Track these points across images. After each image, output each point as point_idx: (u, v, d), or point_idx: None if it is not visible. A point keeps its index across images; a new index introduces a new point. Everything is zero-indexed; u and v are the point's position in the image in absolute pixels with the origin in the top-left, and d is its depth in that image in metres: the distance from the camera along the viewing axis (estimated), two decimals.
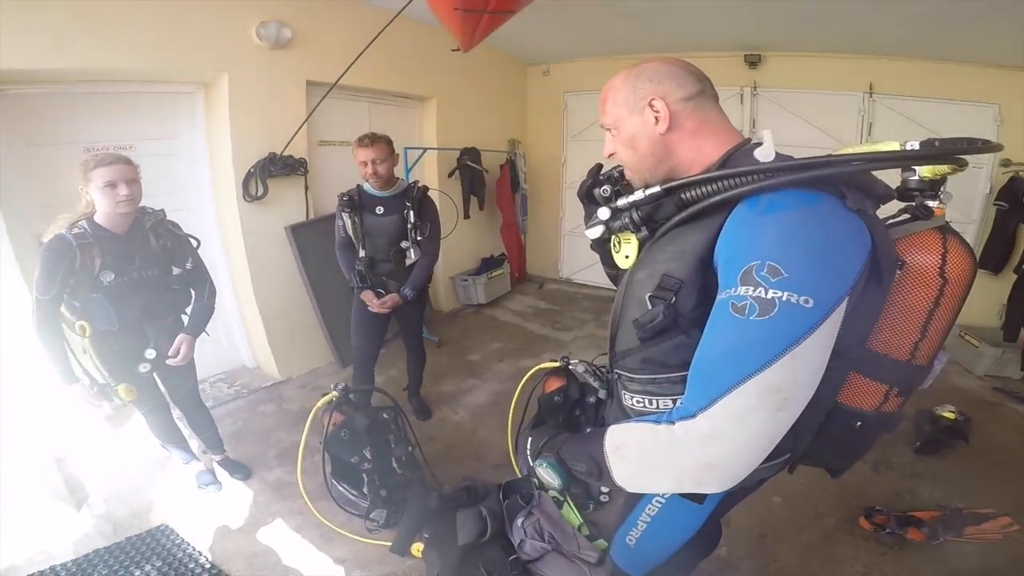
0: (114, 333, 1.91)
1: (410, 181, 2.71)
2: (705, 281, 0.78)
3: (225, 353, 3.57)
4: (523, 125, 5.77)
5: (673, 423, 0.74)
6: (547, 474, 0.94)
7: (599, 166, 1.09)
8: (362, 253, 2.56)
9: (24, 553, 2.04)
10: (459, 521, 2.10)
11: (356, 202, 2.47)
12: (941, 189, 0.88)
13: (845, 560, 2.09)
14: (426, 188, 2.58)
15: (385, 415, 2.31)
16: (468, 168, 4.68)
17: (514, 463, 2.57)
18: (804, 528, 2.28)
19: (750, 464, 0.71)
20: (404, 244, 2.51)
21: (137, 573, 1.95)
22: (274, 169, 3.10)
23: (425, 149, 4.33)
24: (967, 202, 4.09)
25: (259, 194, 3.07)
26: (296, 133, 3.09)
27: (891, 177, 0.87)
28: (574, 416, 2.39)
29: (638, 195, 0.90)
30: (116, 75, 2.66)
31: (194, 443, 2.50)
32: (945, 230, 0.86)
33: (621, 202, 0.93)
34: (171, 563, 2.02)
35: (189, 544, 2.12)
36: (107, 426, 2.76)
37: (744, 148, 0.85)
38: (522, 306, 5.39)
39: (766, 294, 0.66)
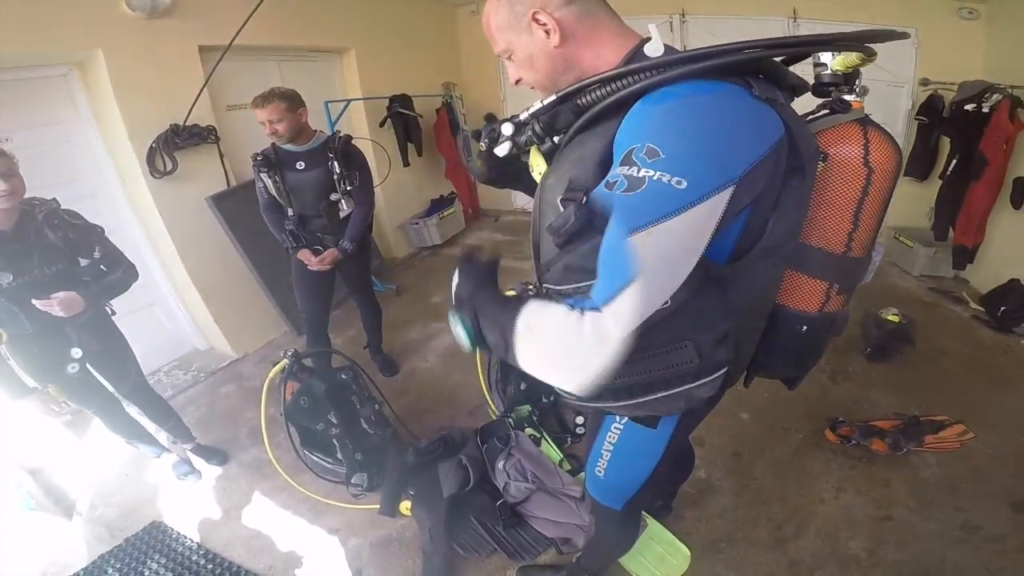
0: (32, 336, 1.75)
1: (337, 131, 2.55)
2: None
3: (172, 339, 3.40)
4: (458, 68, 5.62)
5: (584, 313, 0.68)
6: (458, 331, 0.86)
7: (489, 116, 1.04)
8: (291, 212, 2.43)
9: (36, 567, 2.01)
10: (441, 473, 2.11)
11: (272, 160, 2.33)
12: (857, 83, 0.88)
13: (819, 475, 2.22)
14: (348, 137, 2.46)
15: (343, 376, 2.25)
16: (400, 115, 4.52)
17: (489, 400, 2.59)
18: (775, 443, 2.41)
19: (612, 350, 0.67)
20: (334, 197, 2.40)
21: (146, 573, 1.95)
22: (179, 141, 2.89)
23: (348, 101, 4.12)
24: (891, 118, 4.26)
25: (168, 169, 2.88)
26: (195, 102, 2.87)
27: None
28: None
29: (536, 106, 0.87)
30: None
31: (163, 436, 2.41)
32: (865, 122, 0.87)
33: (523, 115, 0.89)
34: (173, 558, 2.00)
35: (186, 537, 2.09)
36: (69, 433, 2.61)
37: (642, 48, 0.82)
38: (479, 240, 5.39)
39: (638, 172, 0.64)
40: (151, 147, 2.82)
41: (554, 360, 0.73)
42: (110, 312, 2.04)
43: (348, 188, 2.40)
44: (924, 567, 1.81)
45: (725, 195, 0.65)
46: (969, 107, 3.45)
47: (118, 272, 1.93)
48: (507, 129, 0.91)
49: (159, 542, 2.07)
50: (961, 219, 3.66)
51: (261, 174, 2.35)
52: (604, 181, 0.68)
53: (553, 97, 0.84)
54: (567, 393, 1.08)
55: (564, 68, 0.85)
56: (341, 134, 2.45)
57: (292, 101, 2.23)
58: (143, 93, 2.78)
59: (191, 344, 3.49)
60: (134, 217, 3.04)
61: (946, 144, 3.84)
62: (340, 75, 4.43)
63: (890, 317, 2.98)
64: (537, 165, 0.93)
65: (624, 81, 0.74)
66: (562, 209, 0.78)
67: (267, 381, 2.05)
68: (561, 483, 2.10)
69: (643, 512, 1.88)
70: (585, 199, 0.75)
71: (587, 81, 0.78)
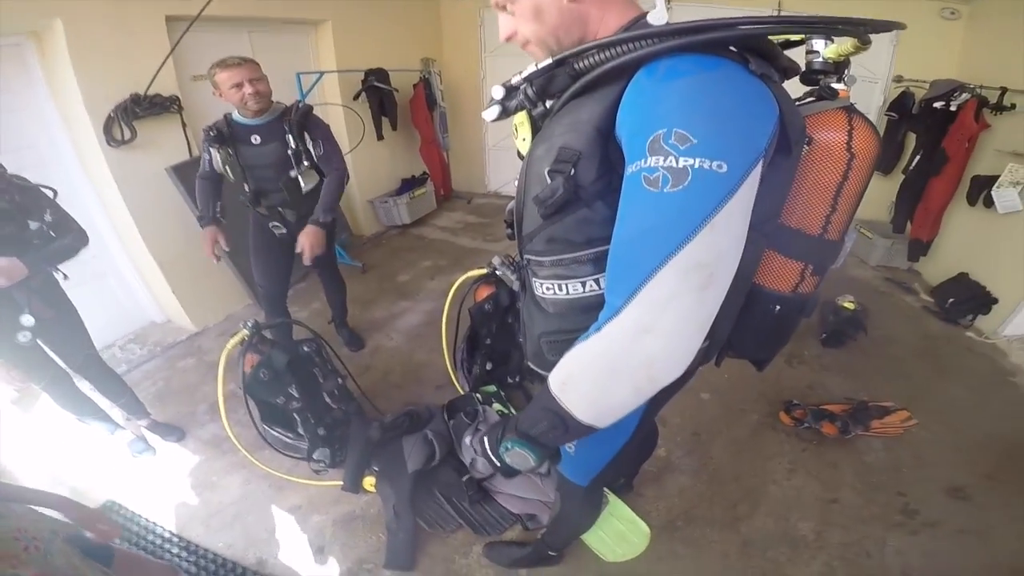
0: None
1: (298, 101, 2.40)
2: (606, 153, 0.74)
3: (129, 312, 3.28)
4: (438, 44, 5.49)
5: (601, 329, 0.69)
6: (518, 457, 0.86)
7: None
8: (246, 187, 2.31)
9: None
10: (406, 448, 2.10)
11: (225, 134, 2.20)
12: (845, 72, 0.90)
13: (772, 456, 2.31)
14: (309, 107, 2.33)
15: (306, 348, 2.19)
16: (376, 89, 4.40)
17: (454, 379, 2.58)
18: (732, 424, 2.49)
19: (692, 348, 0.68)
20: (294, 173, 2.28)
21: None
22: (140, 110, 2.77)
23: (322, 73, 3.99)
24: (864, 112, 4.32)
25: (126, 138, 2.76)
26: (157, 72, 2.74)
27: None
28: (506, 323, 2.38)
29: (530, 69, 0.84)
30: None
31: (116, 412, 2.32)
32: (851, 110, 0.88)
33: (515, 79, 0.86)
34: (129, 538, 1.95)
35: (141, 516, 2.03)
36: (15, 411, 2.51)
37: (644, 18, 0.80)
38: (450, 222, 5.31)
39: (677, 163, 0.62)
40: (109, 116, 2.70)
41: (611, 380, 0.71)
42: (62, 277, 1.95)
43: (305, 164, 2.28)
44: (867, 549, 1.91)
45: (758, 170, 0.66)
46: (938, 105, 3.55)
47: (67, 238, 1.84)
48: (497, 92, 0.87)
49: (113, 522, 2.00)
50: (919, 213, 3.81)
51: (211, 148, 2.25)
52: (641, 175, 0.65)
53: (549, 60, 0.81)
54: (537, 366, 1.08)
55: (572, 25, 0.82)
56: (302, 104, 2.33)
57: (255, 64, 2.13)
58: (103, 63, 2.65)
59: (147, 317, 3.37)
60: (88, 186, 2.90)
61: (912, 140, 3.97)
62: (314, 47, 4.27)
63: (846, 305, 3.09)
64: (523, 134, 0.91)
65: (626, 47, 0.72)
66: (549, 180, 0.77)
67: (224, 352, 1.97)
68: None
69: (605, 489, 1.93)
70: (573, 170, 0.74)
71: (587, 45, 0.76)
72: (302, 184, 2.32)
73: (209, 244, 2.40)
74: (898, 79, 4.17)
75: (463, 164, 6.03)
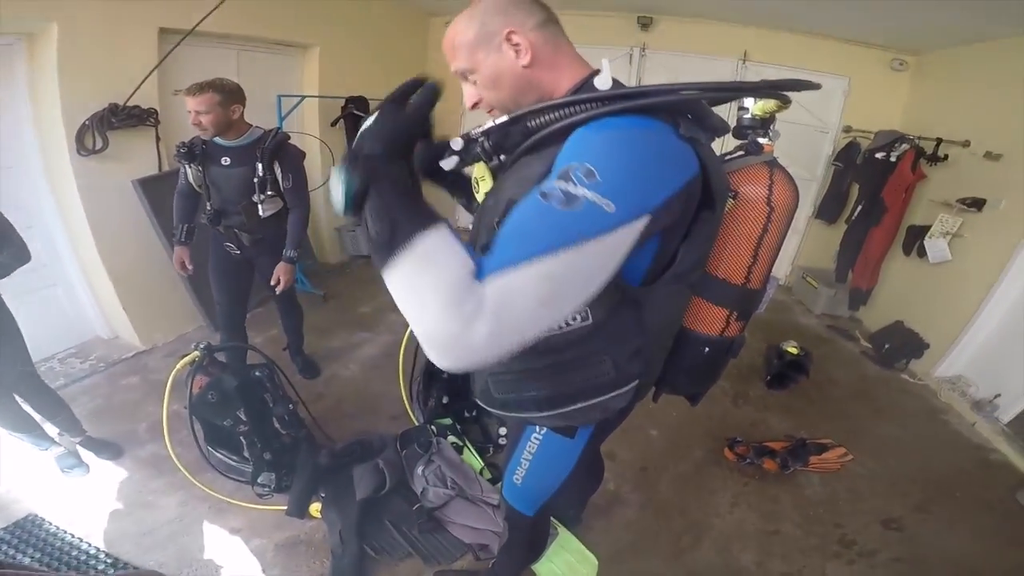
0: None
1: (276, 128, 2.41)
2: None
3: (73, 324, 3.13)
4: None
5: (475, 276, 0.63)
6: (335, 186, 0.69)
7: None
8: (208, 206, 2.35)
9: None
10: (356, 476, 2.06)
11: (195, 152, 2.24)
12: (771, 128, 0.98)
13: (716, 491, 2.38)
14: (285, 136, 2.35)
15: (258, 373, 2.16)
16: (354, 117, 4.42)
17: (409, 411, 2.57)
18: (679, 460, 2.55)
19: (495, 350, 0.62)
20: (264, 198, 2.29)
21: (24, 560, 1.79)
22: (116, 121, 2.74)
23: (303, 97, 4.02)
24: (813, 162, 4.63)
25: (97, 147, 2.70)
26: (142, 84, 2.74)
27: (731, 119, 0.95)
28: None
29: (488, 123, 0.89)
30: None
31: (50, 427, 2.20)
32: (772, 164, 0.96)
33: (474, 131, 0.91)
34: (50, 552, 1.84)
35: (66, 532, 1.92)
36: None
37: (591, 79, 0.87)
38: None
39: (575, 189, 0.67)
40: (83, 124, 2.66)
41: (423, 305, 0.62)
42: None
43: (267, 193, 2.28)
44: None
45: (642, 222, 0.70)
46: (880, 155, 3.80)
47: (2, 254, 1.76)
48: (456, 144, 0.92)
49: (32, 536, 1.89)
50: (859, 263, 4.04)
51: (182, 163, 2.28)
52: (539, 190, 0.69)
53: (505, 117, 0.87)
54: (484, 403, 1.11)
55: (528, 89, 0.88)
56: (279, 132, 2.34)
57: (229, 96, 2.14)
58: (88, 70, 2.64)
59: (93, 331, 3.23)
60: (50, 192, 2.83)
61: (856, 191, 4.20)
62: (299, 71, 4.30)
63: (790, 349, 3.24)
64: (482, 181, 0.96)
65: (573, 108, 0.78)
66: (496, 230, 0.78)
67: (174, 371, 1.93)
68: (481, 490, 2.11)
69: (555, 521, 1.94)
70: None
71: (540, 105, 0.82)
72: (260, 211, 2.34)
73: (177, 264, 2.49)
74: (847, 129, 4.38)
75: (436, 198, 5.98)
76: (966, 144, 3.38)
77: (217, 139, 2.23)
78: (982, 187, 3.23)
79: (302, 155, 2.42)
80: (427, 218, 0.66)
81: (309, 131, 4.26)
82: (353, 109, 4.38)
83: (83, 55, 2.59)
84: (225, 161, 2.24)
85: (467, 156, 0.92)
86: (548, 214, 0.67)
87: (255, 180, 2.25)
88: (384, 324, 3.71)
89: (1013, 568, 2.07)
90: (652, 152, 0.73)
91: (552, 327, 0.68)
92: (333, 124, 4.41)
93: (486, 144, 0.89)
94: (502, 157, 0.90)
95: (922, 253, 3.58)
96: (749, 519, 2.22)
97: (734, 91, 0.84)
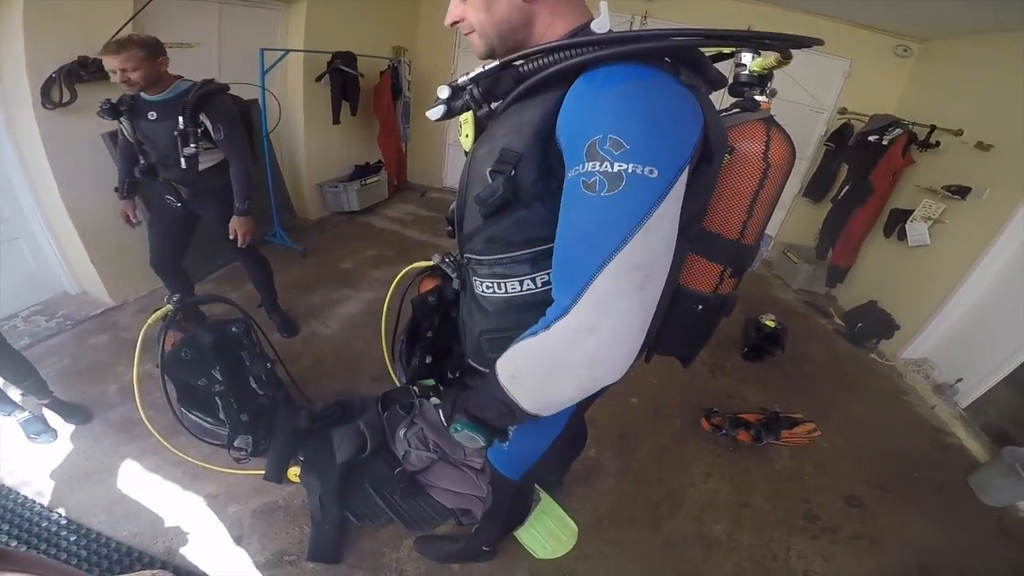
0: None
1: (204, 80, 2.29)
2: (545, 156, 0.77)
3: (38, 280, 2.99)
4: (412, 34, 5.40)
5: (549, 328, 0.73)
6: (468, 438, 0.89)
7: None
8: (142, 160, 2.31)
9: None
10: (336, 439, 2.05)
11: (119, 109, 2.18)
12: (768, 85, 0.95)
13: (692, 460, 2.44)
14: (217, 87, 2.26)
15: (234, 328, 2.08)
16: (340, 72, 4.26)
17: (391, 372, 2.53)
18: (658, 428, 2.60)
19: (633, 348, 0.72)
20: (187, 151, 2.22)
21: None
22: (85, 74, 2.58)
23: (286, 52, 3.81)
24: (805, 141, 4.63)
25: (64, 100, 2.55)
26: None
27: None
28: (449, 317, 2.39)
29: (477, 70, 0.86)
30: None
31: (14, 390, 2.11)
32: (769, 122, 0.93)
33: (461, 79, 0.87)
34: (17, 523, 1.77)
35: (34, 502, 1.85)
36: None
37: (588, 25, 0.83)
38: (401, 213, 5.21)
39: (612, 167, 0.66)
40: (50, 77, 2.49)
41: (557, 377, 0.75)
42: None
43: (190, 145, 2.21)
44: (773, 552, 2.06)
45: (684, 176, 0.69)
46: (872, 138, 3.83)
47: None
48: (443, 92, 0.88)
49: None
50: (840, 241, 4.11)
51: (120, 119, 2.21)
52: (580, 180, 0.68)
53: (496, 63, 0.83)
54: (477, 363, 1.11)
55: (519, 23, 0.84)
56: (206, 83, 2.23)
57: (151, 50, 2.06)
58: (58, 21, 2.45)
59: (59, 287, 3.09)
60: (10, 144, 2.66)
61: (844, 171, 4.25)
62: (284, 24, 4.08)
63: (767, 322, 3.31)
64: (467, 131, 0.92)
65: (569, 52, 0.75)
66: (491, 180, 0.79)
67: (144, 327, 1.84)
68: (464, 454, 2.09)
69: (537, 487, 1.97)
70: (514, 172, 0.76)
71: (532, 48, 0.79)
72: (202, 161, 2.30)
73: (123, 217, 2.51)
74: (842, 111, 4.41)
75: (421, 157, 5.96)
76: (959, 133, 3.40)
77: (143, 94, 2.16)
78: (969, 176, 3.28)
79: (234, 106, 2.34)
80: (491, 372, 0.84)
81: (292, 85, 4.12)
82: (339, 64, 4.22)
83: (54, 7, 2.43)
84: (152, 115, 2.18)
85: (455, 105, 0.88)
86: (601, 207, 0.67)
87: (175, 133, 2.18)
88: (366, 281, 3.64)
89: (960, 549, 2.19)
90: (665, 103, 0.71)
91: (657, 299, 0.73)
92: (318, 79, 4.24)
93: (475, 91, 0.85)
94: (493, 105, 0.86)
95: (902, 236, 3.65)
96: (722, 490, 2.29)
97: (733, 39, 0.80)
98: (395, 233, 4.68)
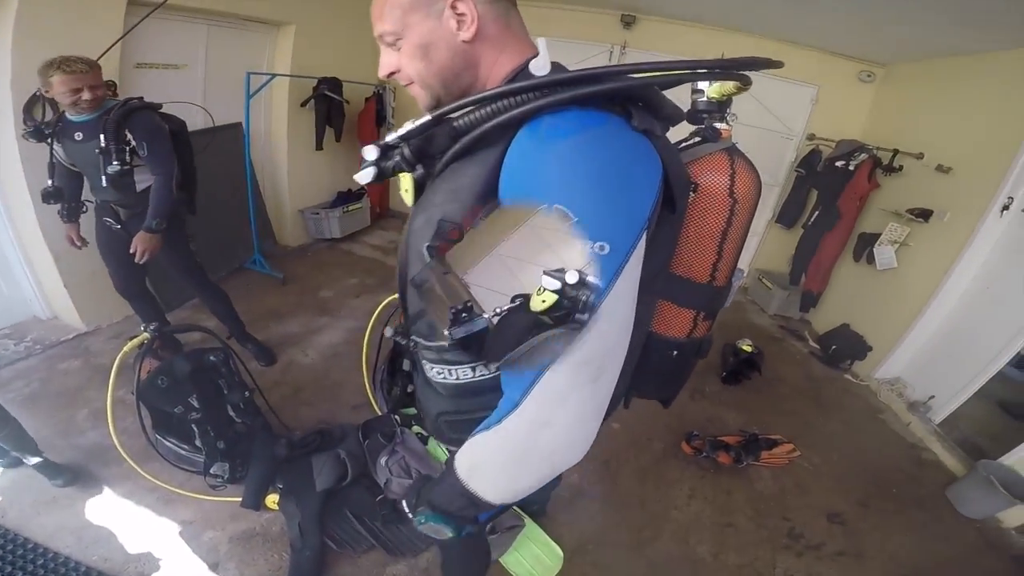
0: None
1: (128, 98, 2.28)
2: None
3: (9, 303, 2.92)
4: None
5: (501, 422, 0.67)
6: (433, 529, 0.80)
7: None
8: (86, 182, 2.29)
9: None
10: (315, 466, 2.01)
11: (43, 132, 2.16)
12: (728, 111, 0.91)
13: (674, 483, 2.45)
14: (138, 106, 2.23)
15: (212, 357, 2.06)
16: (325, 98, 4.30)
17: (372, 401, 2.50)
18: (640, 453, 2.61)
19: (589, 435, 0.67)
20: (111, 169, 2.16)
21: None
22: None
23: (273, 75, 3.85)
24: (776, 168, 4.76)
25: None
26: (104, 54, 2.54)
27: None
28: None
29: (407, 126, 0.76)
30: None
31: None
32: (732, 151, 0.88)
33: (390, 137, 0.77)
34: None
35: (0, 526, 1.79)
36: None
37: (527, 66, 0.74)
38: (383, 241, 5.19)
39: None
40: (34, 95, 2.42)
41: (515, 470, 0.70)
42: None
43: (118, 163, 2.15)
44: (759, 571, 2.06)
45: (642, 244, 0.64)
46: (839, 164, 3.95)
47: None
48: (370, 153, 0.76)
49: None
50: (812, 267, 4.22)
51: (49, 140, 2.18)
52: None
53: (427, 117, 0.74)
54: (436, 438, 1.09)
55: (463, 67, 0.75)
56: (129, 101, 2.22)
57: (99, 69, 2.08)
58: (48, 40, 2.45)
59: (29, 311, 3.02)
60: None
61: (815, 196, 4.36)
62: (272, 48, 4.13)
63: (744, 347, 3.38)
64: (406, 185, 0.80)
65: (506, 102, 0.67)
66: (428, 259, 0.68)
67: (121, 354, 1.81)
68: None
69: (521, 513, 1.94)
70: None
71: (464, 100, 0.70)
72: (138, 181, 2.28)
73: (68, 241, 2.42)
74: (811, 137, 4.50)
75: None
76: (920, 156, 3.53)
77: (68, 115, 2.14)
78: (931, 198, 3.40)
79: (161, 123, 2.30)
80: (448, 464, 0.77)
81: (277, 109, 4.16)
82: (325, 90, 4.26)
83: (42, 24, 2.44)
84: (78, 136, 2.16)
85: (385, 166, 0.76)
86: None
87: (96, 151, 2.14)
88: (346, 309, 3.61)
89: (942, 561, 2.22)
90: (617, 157, 0.64)
91: (613, 386, 0.68)
92: (303, 104, 4.28)
93: (406, 151, 0.74)
94: (421, 167, 0.77)
95: (871, 260, 3.76)
96: (705, 512, 2.30)
97: (690, 72, 0.71)
98: (376, 261, 4.65)
